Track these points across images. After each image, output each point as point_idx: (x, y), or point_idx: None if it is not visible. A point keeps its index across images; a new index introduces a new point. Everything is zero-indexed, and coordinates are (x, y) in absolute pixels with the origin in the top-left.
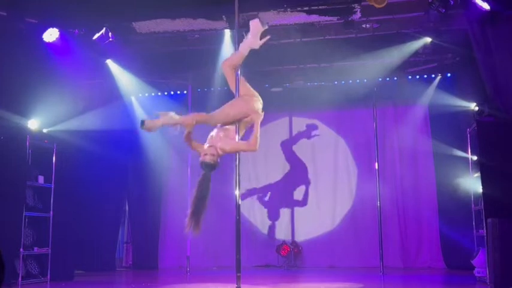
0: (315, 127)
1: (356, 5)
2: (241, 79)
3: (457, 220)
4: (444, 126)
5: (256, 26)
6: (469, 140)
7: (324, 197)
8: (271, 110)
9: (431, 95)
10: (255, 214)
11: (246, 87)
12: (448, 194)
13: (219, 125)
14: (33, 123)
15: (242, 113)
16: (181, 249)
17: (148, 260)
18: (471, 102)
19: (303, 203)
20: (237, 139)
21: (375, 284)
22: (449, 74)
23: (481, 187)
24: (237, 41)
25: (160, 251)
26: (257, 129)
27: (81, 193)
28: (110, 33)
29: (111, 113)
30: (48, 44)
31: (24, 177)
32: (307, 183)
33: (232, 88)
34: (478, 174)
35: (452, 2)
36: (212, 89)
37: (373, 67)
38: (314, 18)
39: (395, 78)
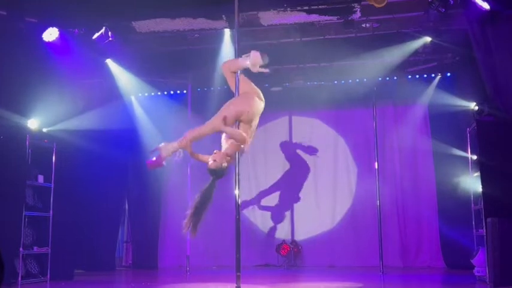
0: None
1: (356, 5)
2: (242, 77)
3: (456, 219)
4: (444, 125)
5: (256, 58)
6: (468, 140)
7: (323, 196)
8: (271, 110)
9: (431, 94)
10: (255, 213)
11: (247, 85)
12: (448, 193)
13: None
14: (33, 123)
15: (235, 115)
16: (181, 248)
17: (148, 260)
18: (471, 102)
19: (303, 202)
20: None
21: (375, 284)
22: (449, 74)
23: (480, 186)
24: (237, 40)
25: (160, 251)
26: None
27: (81, 192)
28: (109, 33)
29: (111, 113)
30: (48, 43)
31: (24, 177)
32: (306, 182)
33: (232, 87)
34: (477, 174)
35: (452, 2)
36: (212, 88)
37: (373, 67)
38: (314, 17)
39: (395, 78)
